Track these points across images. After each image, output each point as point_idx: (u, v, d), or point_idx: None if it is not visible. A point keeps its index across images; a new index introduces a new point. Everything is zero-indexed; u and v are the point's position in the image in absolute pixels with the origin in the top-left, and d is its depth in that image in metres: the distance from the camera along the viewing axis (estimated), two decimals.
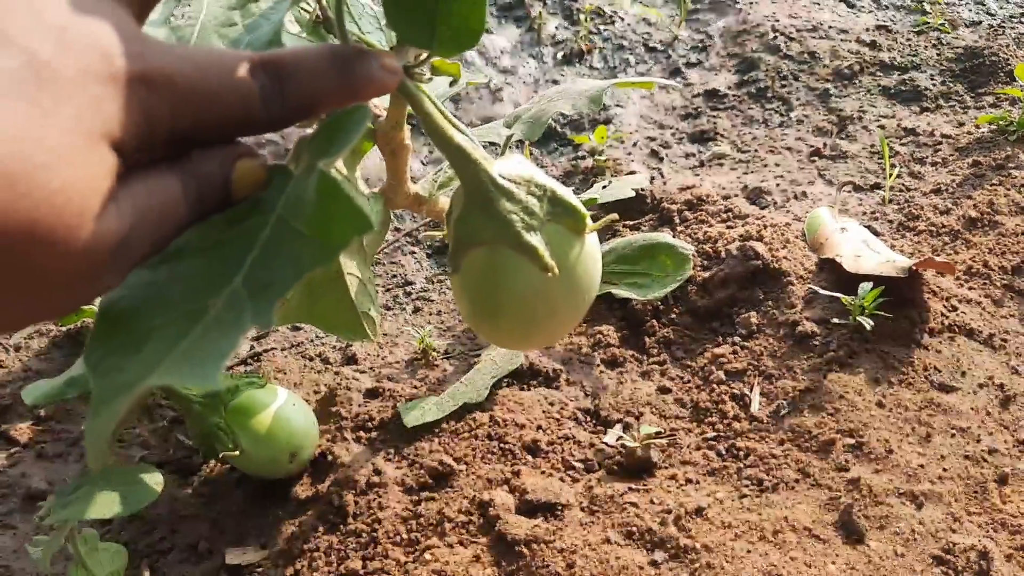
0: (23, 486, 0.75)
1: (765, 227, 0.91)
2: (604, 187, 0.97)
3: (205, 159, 0.31)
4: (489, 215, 0.46)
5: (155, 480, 0.57)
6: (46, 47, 0.25)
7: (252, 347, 0.93)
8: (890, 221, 0.97)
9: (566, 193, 0.47)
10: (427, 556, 0.63)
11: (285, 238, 0.32)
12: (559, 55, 1.39)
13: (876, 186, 1.06)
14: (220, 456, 0.71)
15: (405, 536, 0.66)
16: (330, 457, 0.75)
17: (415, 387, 0.82)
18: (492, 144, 0.73)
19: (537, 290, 0.46)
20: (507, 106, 1.26)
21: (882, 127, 1.17)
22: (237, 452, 0.70)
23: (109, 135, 0.26)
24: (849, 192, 1.06)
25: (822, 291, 0.79)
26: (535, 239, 0.45)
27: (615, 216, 0.49)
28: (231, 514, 0.74)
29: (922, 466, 0.67)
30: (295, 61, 0.34)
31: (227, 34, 0.46)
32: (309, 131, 0.36)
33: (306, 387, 0.86)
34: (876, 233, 0.95)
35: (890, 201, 1.02)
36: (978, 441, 0.69)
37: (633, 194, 0.93)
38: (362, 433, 0.77)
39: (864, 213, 1.00)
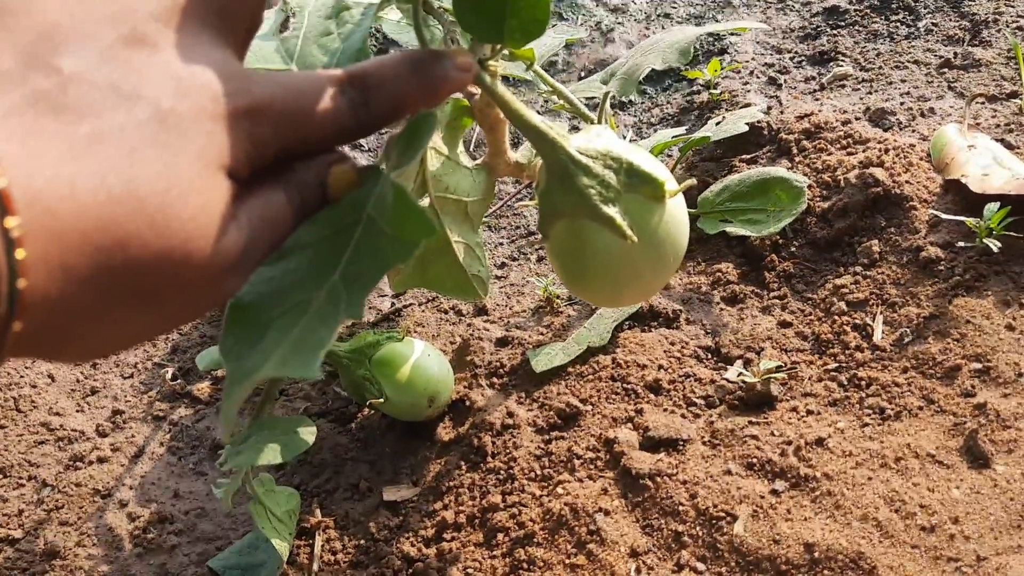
0: (208, 438, 0.86)
1: (887, 151, 0.89)
2: (717, 123, 0.97)
3: (305, 169, 0.36)
4: (568, 189, 0.50)
5: (309, 432, 0.65)
6: (167, 96, 0.30)
7: (393, 303, 1.00)
8: None
9: (644, 162, 0.50)
10: (559, 490, 0.69)
11: (373, 235, 0.37)
12: None
13: (1013, 95, 1.00)
14: (367, 403, 0.79)
15: (539, 472, 0.72)
16: (467, 402, 0.81)
17: (541, 334, 0.87)
18: (592, 99, 0.75)
19: (619, 256, 0.50)
20: (619, 47, 1.26)
21: (1020, 28, 1.10)
22: (382, 400, 0.78)
23: (224, 165, 0.32)
24: (982, 103, 1.01)
25: (944, 215, 0.77)
26: (612, 210, 0.49)
27: (693, 182, 0.52)
28: (385, 456, 0.82)
29: None
30: (378, 72, 0.38)
31: (326, 44, 0.51)
32: (397, 130, 0.40)
33: (443, 338, 0.92)
34: (1010, 147, 0.91)
35: None
36: None
37: (747, 128, 0.93)
38: (495, 379, 0.83)
39: (998, 126, 0.95)
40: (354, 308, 0.35)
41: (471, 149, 1.13)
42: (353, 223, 0.38)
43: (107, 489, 0.80)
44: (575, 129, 1.09)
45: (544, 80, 0.74)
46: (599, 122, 0.76)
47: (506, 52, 0.52)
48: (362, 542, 0.73)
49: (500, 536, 0.68)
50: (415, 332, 0.94)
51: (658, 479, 0.66)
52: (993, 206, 0.74)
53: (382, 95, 0.38)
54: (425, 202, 0.59)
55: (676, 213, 0.52)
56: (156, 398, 0.90)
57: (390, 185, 0.37)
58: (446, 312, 0.96)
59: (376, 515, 0.75)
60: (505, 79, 0.61)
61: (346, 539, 0.74)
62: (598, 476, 0.69)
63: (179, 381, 0.91)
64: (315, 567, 0.73)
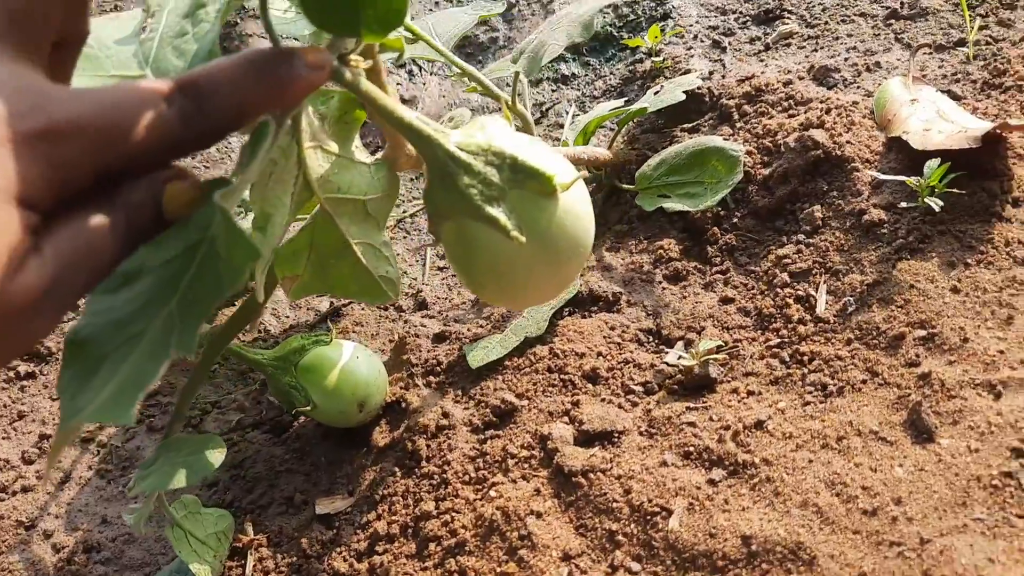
0: (139, 458, 0.83)
1: (828, 111, 0.85)
2: (656, 93, 0.93)
3: (133, 189, 0.32)
4: (449, 189, 0.46)
5: (217, 454, 0.61)
6: None
7: (332, 303, 0.96)
8: (973, 81, 0.89)
9: (530, 156, 0.46)
10: (492, 493, 0.65)
11: (212, 259, 0.33)
12: None
13: (960, 42, 0.96)
14: (294, 412, 0.75)
15: (473, 475, 0.68)
16: (403, 404, 0.78)
17: (480, 326, 0.84)
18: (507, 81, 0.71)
19: (511, 257, 0.47)
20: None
21: None
22: (310, 407, 0.74)
23: (15, 195, 0.28)
24: (929, 54, 0.97)
25: (884, 176, 0.73)
26: (496, 210, 0.45)
27: (584, 174, 0.48)
28: (321, 465, 0.78)
29: (1001, 352, 0.62)
30: (211, 76, 0.34)
31: (180, 46, 0.47)
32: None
33: (382, 336, 0.89)
34: (956, 97, 0.87)
35: (975, 58, 0.92)
36: None
37: (684, 97, 0.89)
38: (431, 377, 0.79)
39: (944, 76, 0.91)
40: (186, 341, 0.31)
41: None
42: (197, 245, 0.35)
43: (31, 520, 0.77)
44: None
45: (452, 62, 0.70)
46: (513, 103, 0.72)
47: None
48: (295, 559, 0.70)
49: (432, 546, 0.64)
50: (354, 332, 0.90)
51: (592, 475, 0.63)
52: (933, 163, 0.70)
53: (219, 101, 0.34)
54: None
55: (573, 206, 0.48)
56: None
57: (217, 205, 0.33)
58: (386, 309, 0.93)
59: (309, 529, 0.72)
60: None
61: (279, 557, 0.71)
62: (532, 476, 0.66)
63: None
64: None
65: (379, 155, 0.58)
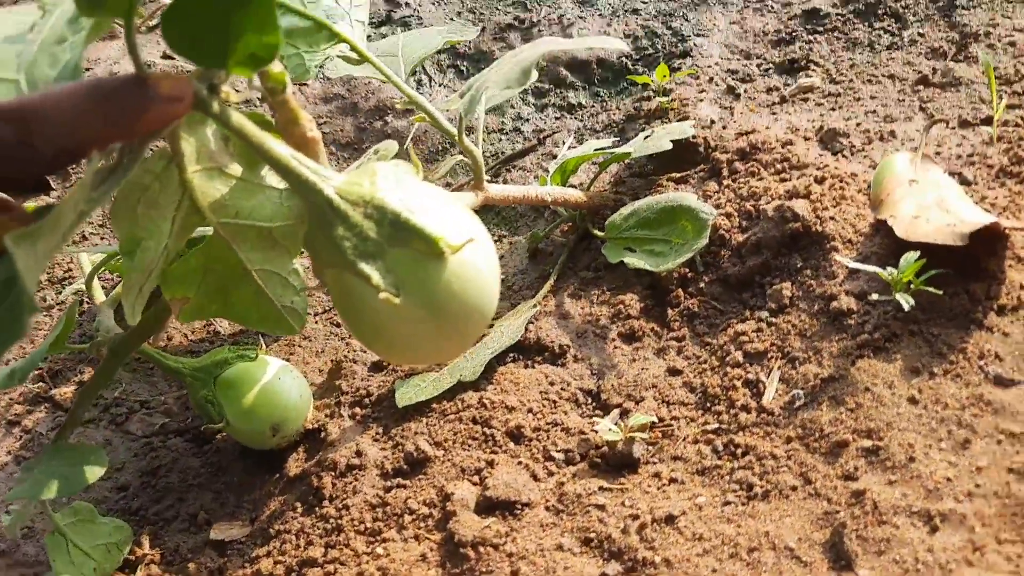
0: None
1: (821, 180, 0.78)
2: (646, 137, 0.88)
3: None
4: (327, 238, 0.43)
5: (95, 470, 0.58)
6: None
7: None
8: (990, 166, 0.81)
9: (417, 213, 0.43)
10: (380, 550, 0.61)
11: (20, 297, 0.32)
12: None
13: (987, 120, 0.89)
14: (204, 428, 0.72)
15: (369, 525, 0.64)
16: (323, 433, 0.74)
17: None
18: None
19: (390, 317, 0.43)
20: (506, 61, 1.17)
21: (1013, 43, 0.98)
22: (222, 424, 0.71)
23: None
24: (951, 129, 0.89)
25: (852, 264, 0.67)
26: (368, 266, 0.42)
27: (472, 239, 0.44)
28: (232, 486, 0.75)
29: (949, 479, 0.56)
30: (44, 104, 0.32)
31: (57, 54, 0.44)
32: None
33: (327, 355, 0.85)
34: (967, 182, 0.80)
35: (999, 139, 0.85)
36: None
37: (671, 146, 0.83)
38: (358, 409, 0.75)
39: (959, 156, 0.84)
40: None
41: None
42: (12, 280, 0.33)
43: None
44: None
45: (399, 88, 0.66)
46: (460, 140, 0.68)
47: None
48: None
49: None
50: (299, 346, 0.87)
51: (482, 549, 0.59)
52: (911, 256, 0.64)
53: (51, 131, 0.31)
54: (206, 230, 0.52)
55: (466, 269, 0.44)
56: (16, 400, 0.85)
57: (10, 249, 0.31)
58: (338, 326, 0.89)
59: (202, 553, 0.69)
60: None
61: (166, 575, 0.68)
62: (424, 538, 0.62)
63: (42, 384, 0.86)
64: None
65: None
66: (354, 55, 0.65)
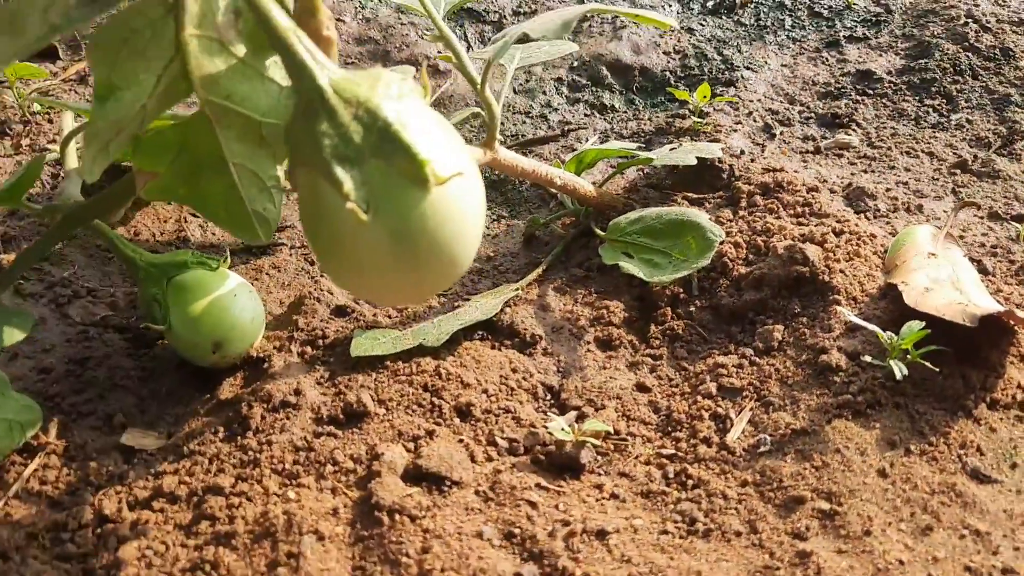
0: None
1: (839, 233, 0.75)
2: (672, 149, 0.84)
3: None
4: (308, 131, 0.39)
5: (13, 334, 0.54)
6: None
7: None
8: (1012, 262, 0.78)
9: (413, 131, 0.39)
10: (291, 494, 0.57)
11: None
12: (708, 3, 1.24)
13: (1019, 218, 0.86)
14: (143, 326, 0.68)
15: (288, 467, 0.60)
16: (267, 364, 0.70)
17: (389, 316, 0.76)
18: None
19: (356, 236, 0.39)
20: (624, 46, 1.13)
21: None
22: (163, 327, 0.67)
23: None
24: (980, 218, 0.86)
25: (857, 319, 0.64)
26: (343, 171, 0.38)
27: (460, 172, 0.40)
28: (159, 395, 0.71)
29: (901, 562, 0.52)
30: None
31: None
32: None
33: (293, 289, 0.81)
34: (985, 272, 0.76)
35: None
36: (994, 553, 0.53)
37: (695, 162, 0.80)
38: (309, 348, 0.71)
39: (983, 246, 0.81)
40: None
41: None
42: None
43: None
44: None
45: (434, 21, 0.62)
46: (481, 90, 0.64)
47: None
48: (75, 480, 0.63)
49: (205, 525, 0.56)
50: (267, 274, 0.83)
51: (398, 517, 0.54)
52: (915, 324, 0.61)
53: None
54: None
55: (449, 205, 0.40)
56: None
57: None
58: (312, 264, 0.85)
59: (107, 457, 0.64)
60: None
61: (64, 471, 0.63)
62: (342, 492, 0.58)
63: None
64: (12, 492, 0.62)
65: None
66: None
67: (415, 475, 0.58)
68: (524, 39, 0.62)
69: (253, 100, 0.49)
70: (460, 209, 0.41)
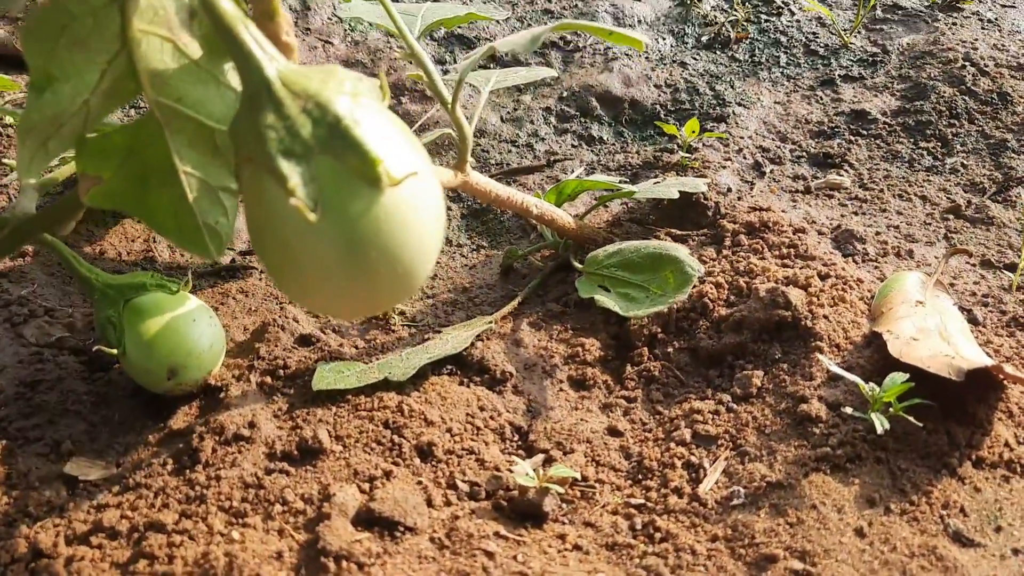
0: None
1: (824, 276, 0.73)
2: (656, 183, 0.82)
3: None
4: (253, 124, 0.36)
5: None
6: None
7: (234, 260, 0.87)
8: (1003, 312, 0.76)
9: (364, 127, 0.36)
10: (236, 535, 0.54)
11: None
12: (703, 38, 1.22)
13: (1011, 267, 0.83)
14: (95, 349, 0.65)
15: (236, 504, 0.57)
16: (223, 393, 0.67)
17: (355, 347, 0.73)
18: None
19: (299, 235, 0.36)
20: (615, 78, 1.12)
21: None
22: (117, 350, 0.64)
23: None
24: (972, 266, 0.84)
25: (837, 369, 0.61)
26: (289, 166, 0.35)
27: (415, 172, 0.37)
28: (110, 423, 0.68)
29: None
30: None
31: None
32: None
33: (259, 315, 0.78)
34: (975, 322, 0.74)
35: (1019, 288, 0.79)
36: None
37: (677, 195, 0.78)
38: (268, 379, 0.68)
39: (974, 294, 0.78)
40: None
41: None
42: None
43: None
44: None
45: (405, 39, 0.60)
46: (452, 109, 0.62)
47: None
48: (13, 510, 0.59)
49: (143, 564, 0.53)
50: (233, 299, 0.80)
51: (345, 563, 0.51)
52: (898, 376, 0.58)
53: None
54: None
55: (405, 210, 0.38)
56: None
57: None
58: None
59: (48, 486, 0.61)
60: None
61: (2, 501, 0.60)
62: (288, 534, 0.54)
63: None
64: None
65: None
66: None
67: (367, 519, 0.55)
68: (492, 54, 0.60)
69: (207, 105, 0.47)
70: (415, 213, 0.38)
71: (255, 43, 0.37)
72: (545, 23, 1.20)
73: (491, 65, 1.09)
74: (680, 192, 0.77)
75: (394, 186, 0.36)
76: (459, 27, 0.76)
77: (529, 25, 1.18)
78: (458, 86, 0.59)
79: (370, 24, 1.03)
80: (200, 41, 0.45)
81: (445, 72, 1.07)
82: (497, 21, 1.06)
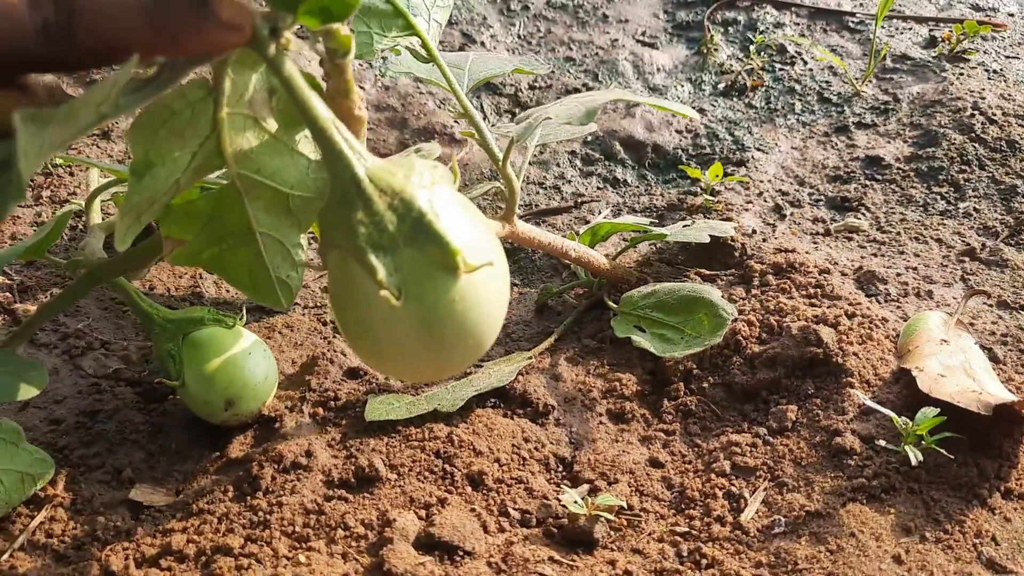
0: None
1: (851, 315, 0.76)
2: (685, 226, 0.86)
3: None
4: (344, 217, 0.40)
5: (28, 390, 0.54)
6: None
7: None
8: (1022, 350, 0.79)
9: (445, 220, 0.40)
10: (302, 558, 0.57)
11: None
12: (720, 85, 1.27)
13: None
14: (157, 382, 0.68)
15: (299, 529, 0.60)
16: (278, 424, 0.70)
17: (401, 379, 0.76)
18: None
19: (385, 319, 0.40)
20: (637, 124, 1.16)
21: None
22: (177, 383, 0.67)
23: None
24: (989, 306, 0.87)
25: (871, 403, 0.64)
26: (377, 258, 0.39)
27: (491, 263, 0.41)
28: (168, 452, 0.71)
29: None
30: None
31: None
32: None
33: (306, 349, 0.81)
34: (996, 360, 0.77)
35: None
36: None
37: (708, 239, 0.81)
38: (320, 410, 0.71)
39: (993, 334, 0.82)
40: None
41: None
42: (5, 164, 0.31)
43: None
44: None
45: (458, 98, 0.64)
46: (503, 166, 0.66)
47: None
48: (81, 535, 0.62)
49: None
50: (280, 333, 0.83)
51: None
52: (929, 411, 0.61)
53: (91, 24, 0.29)
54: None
55: (476, 292, 0.41)
56: None
57: (16, 124, 0.29)
58: (324, 323, 0.85)
59: (114, 512, 0.64)
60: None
61: (71, 525, 0.63)
62: (352, 558, 0.57)
63: (7, 295, 0.82)
64: (17, 544, 0.61)
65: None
66: (423, 52, 0.63)
67: (427, 543, 0.58)
68: (547, 121, 0.64)
69: (282, 174, 0.50)
70: (487, 295, 0.42)
71: (345, 143, 0.40)
72: (568, 71, 1.24)
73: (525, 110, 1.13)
74: (710, 236, 0.81)
75: (469, 272, 0.40)
76: None
77: (553, 72, 1.23)
78: (509, 145, 0.63)
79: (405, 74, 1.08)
80: (276, 116, 0.49)
81: None
82: (538, 75, 1.10)
